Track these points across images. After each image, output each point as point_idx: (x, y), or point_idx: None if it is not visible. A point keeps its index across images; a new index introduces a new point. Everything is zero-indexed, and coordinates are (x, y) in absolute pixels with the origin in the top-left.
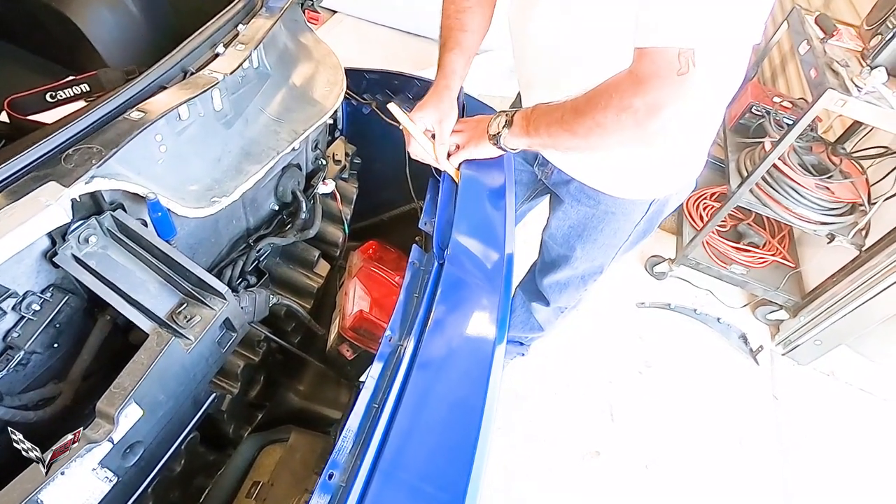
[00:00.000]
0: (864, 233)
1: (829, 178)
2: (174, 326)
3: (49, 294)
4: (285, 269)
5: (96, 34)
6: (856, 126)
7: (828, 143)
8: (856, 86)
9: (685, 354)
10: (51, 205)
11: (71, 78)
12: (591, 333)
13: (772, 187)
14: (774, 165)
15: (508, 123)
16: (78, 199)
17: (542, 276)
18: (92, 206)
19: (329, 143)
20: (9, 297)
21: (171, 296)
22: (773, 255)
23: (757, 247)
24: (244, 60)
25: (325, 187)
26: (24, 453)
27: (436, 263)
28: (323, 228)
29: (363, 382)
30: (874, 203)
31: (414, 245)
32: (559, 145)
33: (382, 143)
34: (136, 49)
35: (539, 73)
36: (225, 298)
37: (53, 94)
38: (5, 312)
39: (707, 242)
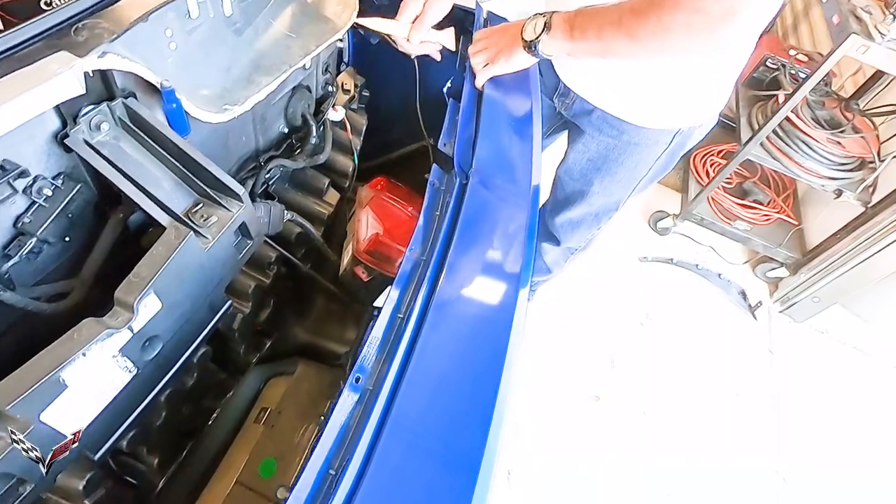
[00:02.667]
0: (871, 189)
1: (841, 132)
2: (191, 225)
3: (60, 181)
4: (294, 195)
5: None
6: (869, 84)
7: (841, 99)
8: (879, 32)
9: (685, 308)
10: (63, 72)
11: None
12: (594, 285)
13: (783, 140)
14: (787, 118)
15: (547, 27)
16: (90, 74)
17: (555, 214)
18: (103, 92)
19: (338, 73)
20: (20, 175)
21: (187, 195)
22: (777, 212)
23: (762, 204)
24: None
25: (336, 114)
26: (24, 453)
27: (458, 182)
28: (332, 157)
29: (378, 308)
30: (884, 160)
31: (434, 165)
32: (609, 50)
33: (391, 78)
34: None
35: None
36: (242, 201)
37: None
38: (16, 191)
39: (712, 198)
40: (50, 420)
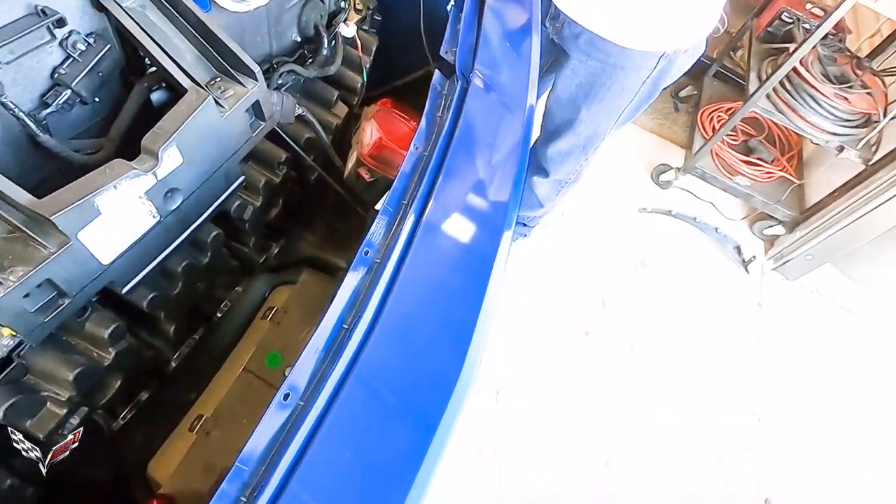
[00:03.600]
0: (873, 147)
1: (849, 87)
2: (210, 94)
3: (92, 39)
4: (305, 104)
5: None
6: (885, 45)
7: (854, 56)
8: None
9: (680, 258)
10: None
11: None
12: (591, 232)
13: (789, 94)
14: (796, 71)
15: None
16: None
17: (545, 145)
18: None
19: None
20: (58, 24)
21: (207, 69)
22: (780, 170)
23: (766, 162)
24: None
25: (347, 29)
26: (24, 453)
27: (459, 86)
28: (342, 72)
29: (378, 211)
30: (890, 118)
31: (435, 70)
32: None
33: (396, 10)
34: None
35: None
36: (257, 79)
37: None
38: (54, 38)
39: (716, 153)
40: (86, 240)
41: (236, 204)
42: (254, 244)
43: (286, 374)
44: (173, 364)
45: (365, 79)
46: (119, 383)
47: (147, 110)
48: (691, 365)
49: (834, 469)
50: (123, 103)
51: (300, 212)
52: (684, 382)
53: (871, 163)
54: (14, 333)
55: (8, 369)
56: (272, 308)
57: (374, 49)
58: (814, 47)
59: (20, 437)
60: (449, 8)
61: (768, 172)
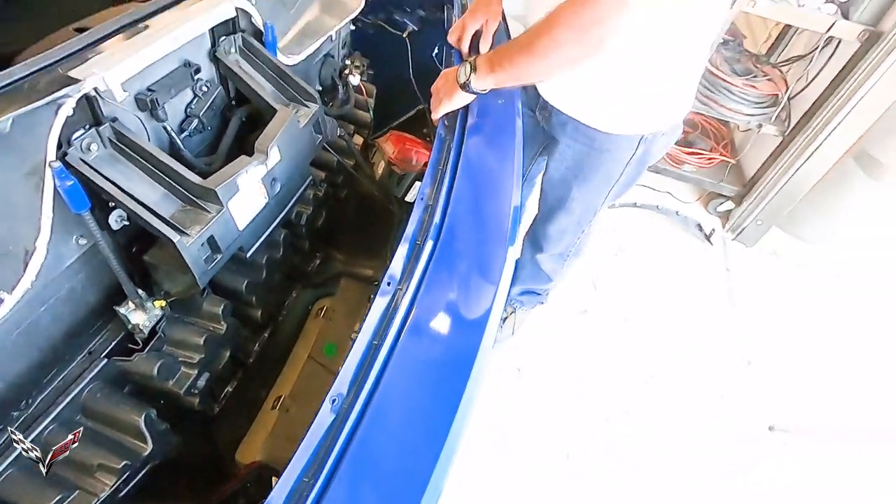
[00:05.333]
0: (785, 121)
1: (753, 77)
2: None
3: (208, 84)
4: None
5: None
6: (777, 43)
7: (753, 55)
8: None
9: (651, 241)
10: (223, 4)
11: None
12: None
13: (709, 90)
14: (710, 72)
15: (473, 69)
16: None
17: (543, 224)
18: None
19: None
20: (196, 72)
21: (282, 98)
22: (718, 154)
23: (705, 150)
24: None
25: (354, 78)
26: (24, 453)
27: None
28: (353, 112)
29: (412, 202)
30: (792, 96)
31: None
32: (523, 74)
33: (386, 59)
34: None
35: None
36: (317, 102)
37: None
38: (194, 81)
39: None
40: (232, 208)
41: (309, 178)
42: (306, 251)
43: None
44: (252, 357)
45: (372, 116)
46: (229, 353)
47: (241, 131)
48: (679, 326)
49: (827, 388)
50: (224, 130)
51: (333, 231)
52: (676, 341)
53: (786, 133)
54: (164, 306)
55: (154, 339)
56: (323, 307)
57: (374, 93)
58: (717, 51)
59: (20, 436)
60: (434, 55)
61: (709, 158)
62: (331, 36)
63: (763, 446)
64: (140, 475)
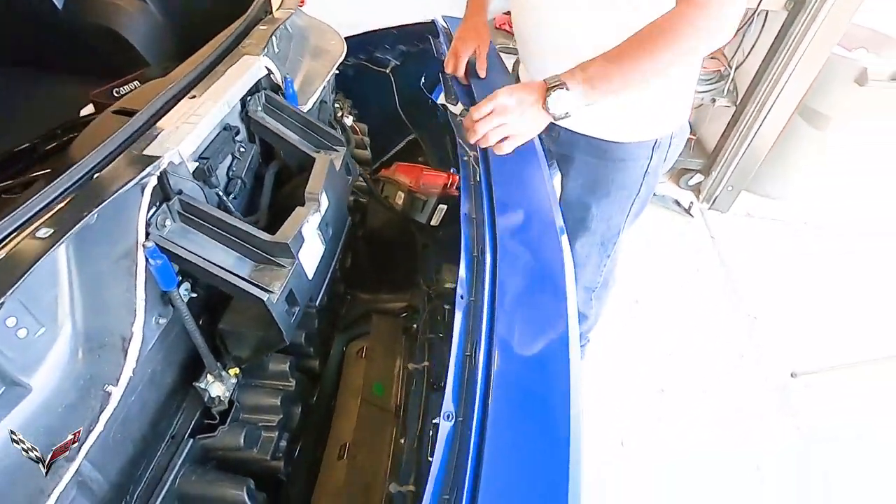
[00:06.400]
0: (734, 92)
1: None
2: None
3: (245, 143)
4: None
5: (138, 40)
6: None
7: None
8: None
9: (637, 226)
10: (257, 64)
11: (128, 77)
12: None
13: None
14: None
15: (566, 88)
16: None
17: None
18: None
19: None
20: (236, 134)
21: (311, 146)
22: None
23: None
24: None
25: (348, 119)
26: (24, 453)
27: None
28: (353, 151)
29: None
30: (735, 68)
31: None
32: (629, 85)
33: (368, 100)
34: (164, 48)
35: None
36: (343, 145)
37: (118, 90)
38: (234, 144)
39: None
40: (302, 259)
41: (348, 220)
42: (342, 294)
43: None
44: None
45: (369, 151)
46: (300, 410)
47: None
48: (685, 299)
49: (829, 327)
50: (258, 188)
51: (356, 271)
52: (685, 314)
53: (737, 102)
54: (238, 374)
55: (233, 409)
56: (362, 348)
57: (367, 130)
58: None
59: (20, 436)
60: (421, 84)
61: None
62: (325, 83)
63: (790, 391)
64: None
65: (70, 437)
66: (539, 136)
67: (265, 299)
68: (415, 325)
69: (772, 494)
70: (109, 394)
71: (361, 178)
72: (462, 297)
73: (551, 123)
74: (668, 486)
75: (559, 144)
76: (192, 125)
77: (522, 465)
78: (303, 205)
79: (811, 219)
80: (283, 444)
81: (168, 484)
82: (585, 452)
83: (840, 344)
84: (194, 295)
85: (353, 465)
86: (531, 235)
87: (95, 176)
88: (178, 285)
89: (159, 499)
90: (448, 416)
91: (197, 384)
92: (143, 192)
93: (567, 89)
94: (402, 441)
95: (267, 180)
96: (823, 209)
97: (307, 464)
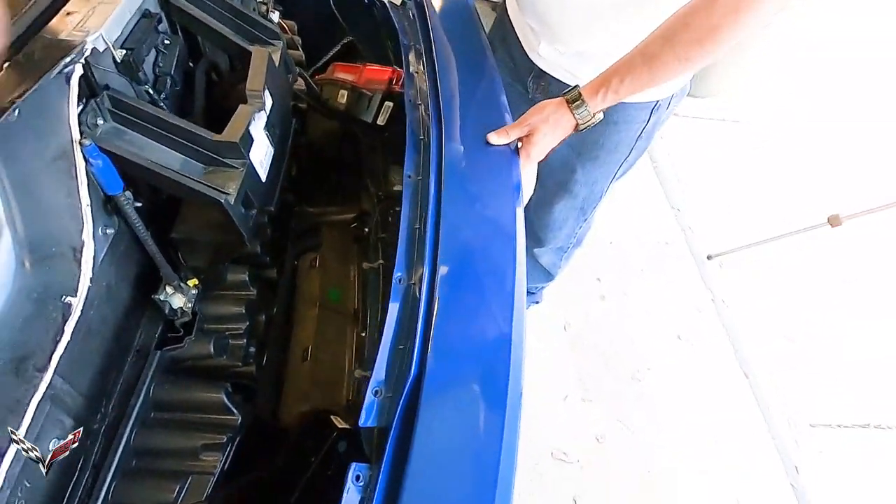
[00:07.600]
0: None
1: None
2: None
3: (168, 35)
4: None
5: None
6: None
7: None
8: None
9: None
10: None
11: None
12: None
13: None
14: None
15: (583, 101)
16: None
17: (541, 213)
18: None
19: None
20: (159, 24)
21: (245, 38)
22: None
23: None
24: None
25: (274, 15)
26: (24, 453)
27: None
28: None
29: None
30: None
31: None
32: (655, 82)
33: None
34: None
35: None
36: (280, 39)
37: None
38: (158, 34)
39: None
40: (253, 160)
41: (294, 121)
42: (290, 204)
43: None
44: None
45: (302, 54)
46: (264, 317)
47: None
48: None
49: (736, 212)
50: (191, 87)
51: (300, 183)
52: (617, 201)
53: None
54: (197, 284)
55: (196, 320)
56: (313, 259)
57: (296, 28)
58: None
59: (21, 436)
60: None
61: None
62: None
63: (707, 270)
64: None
65: (70, 437)
66: (527, 87)
67: (223, 201)
68: (366, 229)
69: (688, 356)
70: (70, 304)
71: (300, 79)
72: (409, 177)
73: (540, 72)
74: (604, 359)
75: (548, 96)
76: (111, 5)
77: (468, 318)
78: (245, 103)
79: (729, 115)
80: (253, 349)
81: (142, 394)
82: (530, 336)
83: (749, 228)
84: (138, 204)
85: (317, 365)
86: (478, 120)
87: (6, 65)
88: (124, 189)
89: (136, 408)
90: (400, 280)
91: (156, 296)
92: (68, 82)
93: (584, 102)
94: (364, 334)
95: (198, 80)
96: (742, 106)
97: (273, 371)
